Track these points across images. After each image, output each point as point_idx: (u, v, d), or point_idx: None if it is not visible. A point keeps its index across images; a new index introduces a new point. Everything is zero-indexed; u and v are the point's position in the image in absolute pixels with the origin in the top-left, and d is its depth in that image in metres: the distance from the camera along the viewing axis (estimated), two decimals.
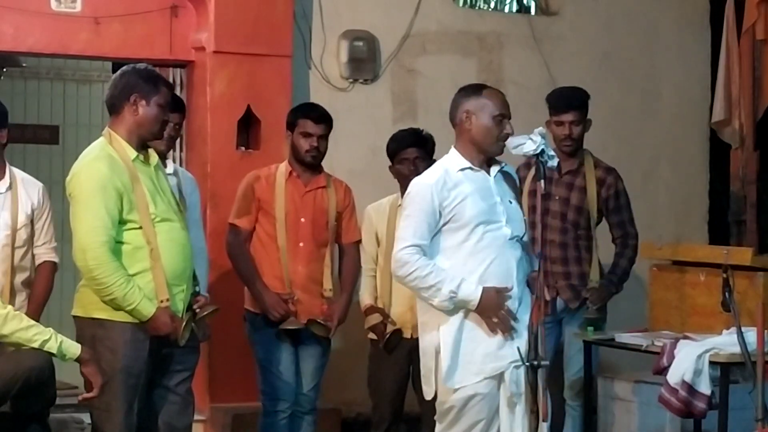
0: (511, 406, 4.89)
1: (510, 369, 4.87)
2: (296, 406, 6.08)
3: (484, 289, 4.83)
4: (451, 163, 5.01)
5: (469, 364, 4.89)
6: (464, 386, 4.88)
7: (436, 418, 5.03)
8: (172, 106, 5.77)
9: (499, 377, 4.91)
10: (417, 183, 5.02)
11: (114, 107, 4.98)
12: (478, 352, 4.89)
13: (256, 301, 6.01)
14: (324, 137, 6.07)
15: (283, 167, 6.10)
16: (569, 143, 6.18)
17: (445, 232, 4.93)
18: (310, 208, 6.04)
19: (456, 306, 4.86)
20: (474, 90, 5.09)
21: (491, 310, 4.85)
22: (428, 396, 5.02)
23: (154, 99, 4.96)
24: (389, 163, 6.27)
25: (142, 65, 5.07)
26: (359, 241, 6.20)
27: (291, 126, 6.09)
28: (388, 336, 6.03)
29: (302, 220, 6.02)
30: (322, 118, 6.08)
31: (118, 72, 5.05)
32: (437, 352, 4.91)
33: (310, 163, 6.05)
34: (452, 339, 4.88)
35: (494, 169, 5.05)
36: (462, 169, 4.99)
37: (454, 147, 5.08)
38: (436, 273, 4.84)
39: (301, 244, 6.01)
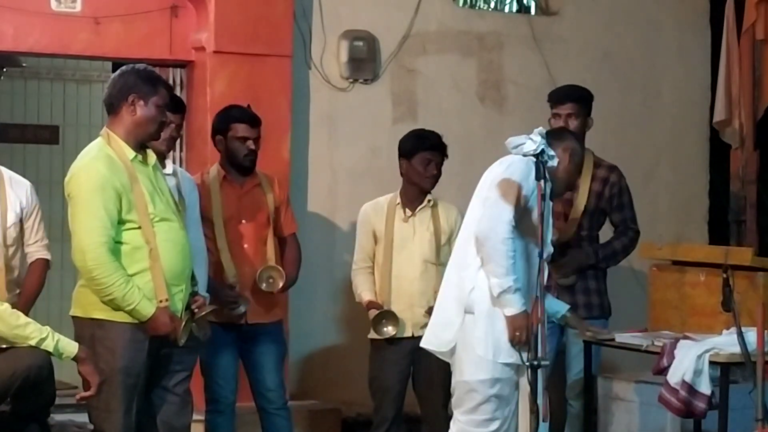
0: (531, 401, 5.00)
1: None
2: (266, 403, 6.10)
3: (526, 312, 5.00)
4: (535, 167, 5.09)
5: (502, 343, 5.05)
6: (495, 361, 5.04)
7: (454, 400, 5.16)
8: (172, 106, 5.76)
9: (519, 370, 5.06)
10: (527, 160, 5.02)
11: (112, 107, 4.98)
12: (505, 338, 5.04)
13: None
14: (258, 139, 6.10)
15: (215, 171, 6.11)
16: None
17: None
18: (249, 209, 6.06)
19: (498, 297, 5.01)
20: (580, 138, 5.51)
21: (516, 328, 5.01)
22: (439, 347, 5.20)
23: (152, 100, 4.95)
24: (390, 163, 6.26)
25: (141, 65, 5.07)
26: (295, 233, 6.23)
27: (222, 131, 6.09)
28: (374, 315, 6.01)
29: (243, 222, 6.04)
30: (256, 121, 6.11)
31: (117, 72, 5.04)
32: (466, 312, 5.09)
33: (247, 167, 6.07)
34: (488, 307, 5.05)
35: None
36: (540, 179, 5.07)
37: None
38: (514, 263, 4.97)
39: (245, 246, 6.03)
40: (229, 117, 6.14)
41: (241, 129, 6.05)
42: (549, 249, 5.19)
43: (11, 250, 5.65)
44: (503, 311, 5.02)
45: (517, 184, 5.01)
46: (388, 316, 6.03)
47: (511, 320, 5.00)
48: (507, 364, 5.05)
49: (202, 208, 5.99)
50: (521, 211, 5.02)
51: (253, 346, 6.07)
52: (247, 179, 6.10)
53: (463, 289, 5.12)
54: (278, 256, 6.14)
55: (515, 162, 5.08)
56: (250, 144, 6.04)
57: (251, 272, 6.01)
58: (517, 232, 5.03)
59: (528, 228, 5.06)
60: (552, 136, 5.22)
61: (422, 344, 5.32)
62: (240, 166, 6.07)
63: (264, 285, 5.98)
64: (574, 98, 6.24)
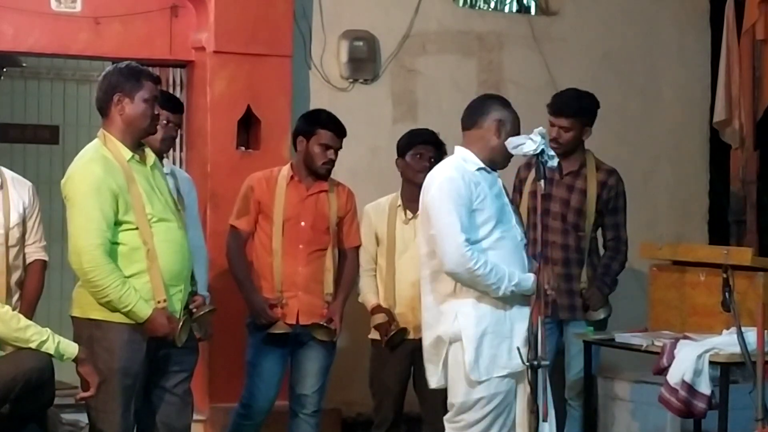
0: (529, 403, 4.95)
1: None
2: (298, 407, 6.09)
3: (533, 276, 4.93)
4: (466, 161, 5.04)
5: (496, 357, 4.95)
6: (490, 378, 4.94)
7: (448, 417, 5.07)
8: (170, 106, 5.75)
9: (518, 376, 4.96)
10: (445, 177, 5.00)
11: (102, 110, 4.96)
12: (503, 347, 4.95)
13: (246, 304, 6.03)
14: (339, 150, 6.07)
15: (286, 171, 6.08)
16: (555, 146, 6.15)
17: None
18: (311, 212, 6.02)
19: (515, 293, 4.96)
20: (506, 102, 5.15)
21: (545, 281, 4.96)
22: (433, 384, 5.08)
23: (138, 95, 4.92)
24: (390, 163, 6.26)
25: (123, 63, 5.04)
26: (359, 246, 6.19)
27: (307, 133, 6.03)
28: (392, 334, 6.02)
29: (302, 223, 6.00)
30: (343, 131, 6.06)
31: (102, 73, 5.03)
32: (451, 342, 4.97)
33: (322, 174, 6.03)
34: (474, 330, 4.94)
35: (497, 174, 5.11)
36: (478, 169, 5.03)
37: (466, 147, 5.08)
38: (495, 270, 4.92)
39: (300, 246, 6.00)
40: (317, 121, 6.06)
41: (326, 136, 5.98)
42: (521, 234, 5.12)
43: (14, 251, 5.65)
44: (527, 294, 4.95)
45: (447, 208, 4.93)
46: (403, 333, 6.03)
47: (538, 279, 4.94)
48: (504, 376, 4.97)
49: (264, 205, 6.00)
50: (476, 215, 4.96)
51: (301, 348, 6.04)
52: (315, 183, 6.05)
53: (445, 322, 5.00)
54: (335, 267, 6.09)
55: (436, 191, 5.00)
56: (331, 153, 5.99)
57: (305, 272, 5.99)
58: (488, 229, 4.97)
59: (496, 213, 4.99)
60: (475, 110, 5.12)
61: (431, 386, 5.20)
62: (315, 172, 6.01)
63: (317, 336, 6.00)
64: (569, 113, 6.17)
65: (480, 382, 4.94)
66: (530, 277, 4.93)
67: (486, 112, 5.08)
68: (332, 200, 6.08)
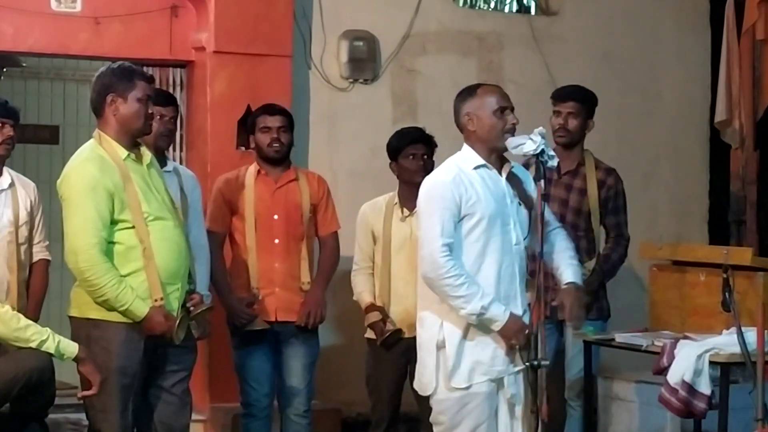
0: (511, 408, 4.94)
1: (511, 372, 4.91)
2: (288, 408, 6.10)
3: (511, 315, 4.86)
4: (465, 160, 5.00)
5: (478, 364, 4.90)
6: (469, 385, 4.89)
7: (432, 417, 5.03)
8: (162, 100, 5.75)
9: (499, 380, 4.94)
10: (433, 181, 4.98)
11: (96, 110, 4.98)
12: (486, 353, 4.90)
13: (223, 307, 6.04)
14: (284, 129, 6.09)
15: (252, 168, 6.13)
16: (563, 134, 6.19)
17: (458, 230, 4.91)
18: (282, 205, 6.05)
19: (479, 321, 4.86)
20: (469, 91, 5.10)
21: (512, 335, 4.87)
22: (424, 391, 5.03)
23: (131, 95, 4.92)
24: (389, 162, 6.26)
25: (116, 64, 5.05)
26: (336, 232, 6.21)
27: (252, 128, 6.14)
28: (387, 334, 6.02)
29: (275, 217, 6.03)
30: (278, 110, 6.14)
31: (96, 74, 5.03)
32: (438, 348, 4.93)
33: (275, 158, 6.06)
34: (458, 336, 4.90)
35: (505, 170, 5.03)
36: (476, 167, 4.98)
37: (467, 144, 5.06)
38: (468, 284, 4.82)
39: (276, 241, 6.02)
40: (256, 112, 6.21)
41: (263, 120, 6.08)
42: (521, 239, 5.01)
43: (23, 248, 5.69)
44: (492, 328, 4.87)
45: (429, 211, 4.91)
46: (398, 334, 6.02)
47: (503, 332, 4.86)
48: (482, 382, 4.89)
49: (234, 205, 6.03)
50: (465, 220, 4.89)
51: (283, 347, 6.06)
52: (282, 174, 6.10)
53: (431, 329, 4.95)
54: (311, 256, 6.12)
55: (424, 194, 4.98)
56: (272, 133, 6.04)
57: (281, 269, 6.01)
58: (478, 234, 4.90)
59: (492, 215, 4.91)
60: (454, 114, 5.06)
61: (414, 386, 5.16)
62: (266, 157, 6.06)
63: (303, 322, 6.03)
64: (577, 98, 6.25)
65: (459, 388, 4.89)
66: (503, 310, 4.82)
67: (458, 112, 5.06)
68: (303, 188, 6.11)
